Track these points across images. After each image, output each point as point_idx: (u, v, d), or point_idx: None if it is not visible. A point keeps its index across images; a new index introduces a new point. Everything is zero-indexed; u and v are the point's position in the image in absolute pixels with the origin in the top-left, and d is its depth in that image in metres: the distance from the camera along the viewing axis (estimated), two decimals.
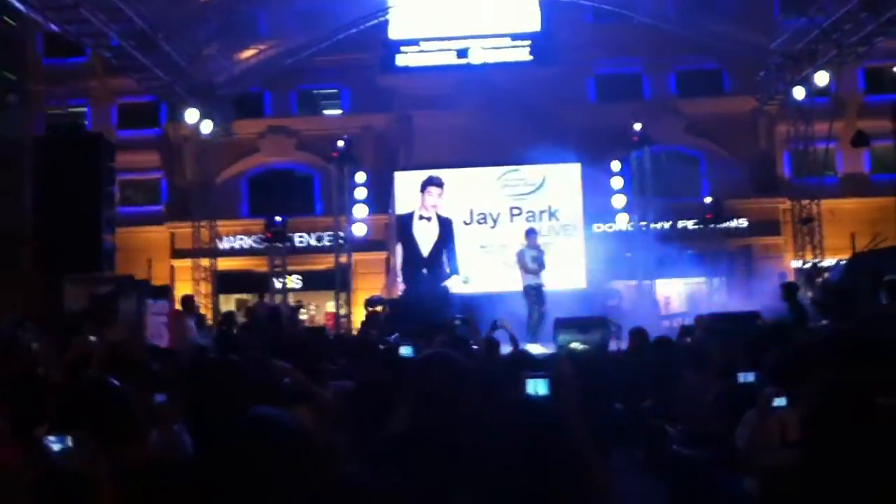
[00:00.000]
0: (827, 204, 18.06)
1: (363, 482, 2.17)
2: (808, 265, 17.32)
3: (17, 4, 13.13)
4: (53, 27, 13.90)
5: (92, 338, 6.66)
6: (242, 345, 7.19)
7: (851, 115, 20.81)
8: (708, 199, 18.07)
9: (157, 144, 22.66)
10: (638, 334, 7.29)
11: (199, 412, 3.53)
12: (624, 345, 9.50)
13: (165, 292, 13.80)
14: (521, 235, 15.85)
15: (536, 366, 4.39)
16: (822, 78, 16.24)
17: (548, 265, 13.17)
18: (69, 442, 2.60)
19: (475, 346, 6.13)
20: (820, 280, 15.81)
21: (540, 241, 16.41)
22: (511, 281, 13.38)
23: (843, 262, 14.90)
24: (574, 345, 5.96)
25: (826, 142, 17.44)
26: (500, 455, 2.58)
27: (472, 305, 12.38)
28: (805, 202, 17.73)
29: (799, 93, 16.96)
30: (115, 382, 2.95)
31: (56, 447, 2.58)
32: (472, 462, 2.66)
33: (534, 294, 12.50)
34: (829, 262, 17.14)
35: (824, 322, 8.90)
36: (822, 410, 2.77)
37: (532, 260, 12.62)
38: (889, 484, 2.55)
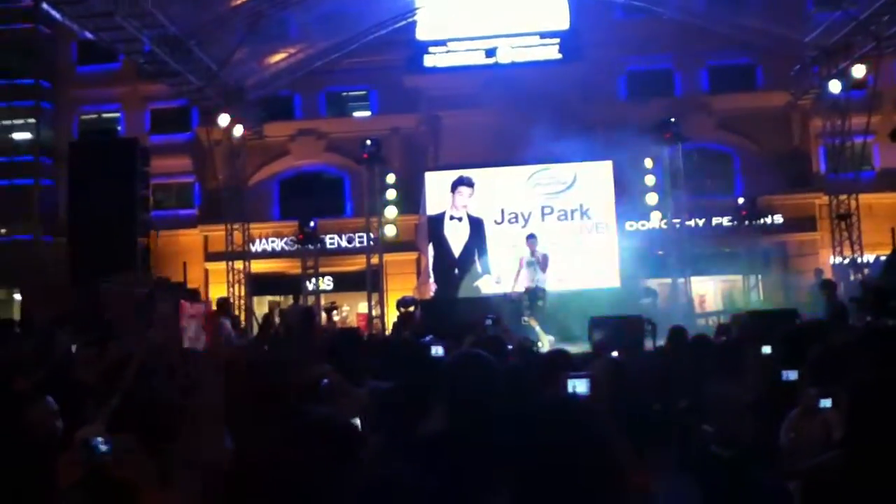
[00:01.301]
0: (864, 199, 17.72)
1: (411, 480, 2.16)
2: (846, 261, 17.01)
3: (53, 13, 13.37)
4: (88, 35, 14.12)
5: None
6: (280, 346, 7.24)
7: (889, 109, 20.40)
8: (741, 201, 17.76)
9: (189, 148, 22.94)
10: (677, 333, 7.19)
11: (238, 413, 3.54)
12: (660, 343, 9.39)
13: (197, 295, 13.93)
14: (553, 235, 15.86)
15: (574, 366, 4.36)
16: (859, 71, 15.93)
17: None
18: (116, 444, 2.62)
19: (510, 346, 6.09)
20: (859, 276, 15.53)
21: (572, 239, 16.40)
22: (542, 280, 13.33)
23: (883, 259, 14.60)
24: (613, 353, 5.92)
25: (863, 136, 17.10)
26: (538, 455, 2.55)
27: (503, 305, 12.36)
28: (842, 197, 17.41)
29: (835, 86, 16.65)
30: (163, 386, 2.96)
31: (102, 448, 2.61)
32: (509, 463, 2.63)
33: (528, 297, 12.87)
34: (868, 258, 16.82)
35: (868, 319, 8.72)
36: (862, 408, 2.70)
37: (528, 266, 12.95)
38: None
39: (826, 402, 3.80)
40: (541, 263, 12.93)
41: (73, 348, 7.29)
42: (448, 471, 2.71)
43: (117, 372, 4.62)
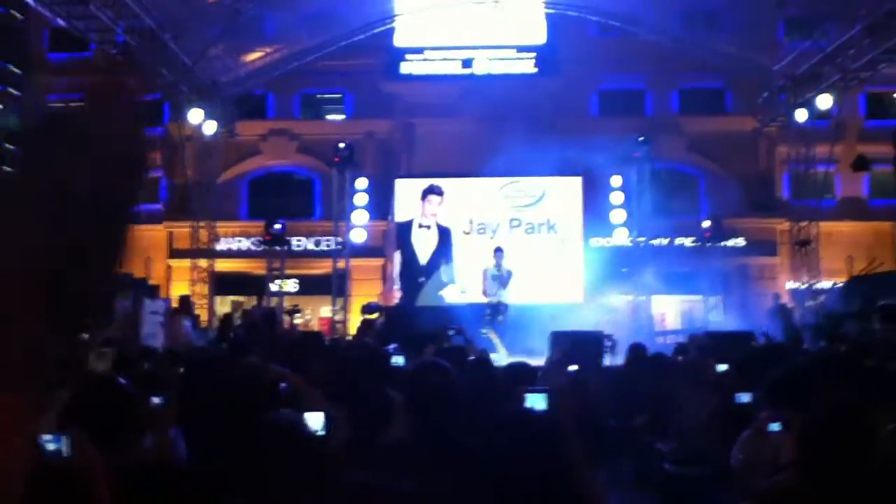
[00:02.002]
0: (825, 226, 18.11)
1: (380, 485, 2.17)
2: (804, 287, 17.37)
3: None
4: (61, 22, 13.91)
5: (84, 335, 6.63)
6: (241, 347, 7.17)
7: (851, 139, 20.90)
8: (707, 223, 18.03)
9: (158, 143, 22.66)
10: (635, 350, 7.29)
11: (196, 414, 3.52)
12: (619, 360, 9.50)
13: (157, 291, 13.75)
14: (520, 247, 15.95)
15: (535, 379, 4.41)
16: (824, 101, 16.32)
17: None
18: (64, 441, 2.58)
19: (472, 357, 6.12)
20: (814, 303, 15.86)
21: (539, 253, 16.53)
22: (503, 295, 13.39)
23: (839, 286, 14.95)
24: (571, 367, 5.99)
25: (826, 164, 17.49)
26: (499, 466, 2.57)
27: (468, 315, 12.41)
28: (803, 224, 17.78)
29: (801, 115, 17.03)
30: (121, 381, 2.92)
31: (51, 447, 2.56)
32: (472, 472, 2.66)
33: (490, 311, 12.62)
34: (825, 284, 17.19)
35: (822, 344, 8.92)
36: (818, 432, 2.77)
37: (492, 279, 12.85)
38: None
39: (775, 426, 3.88)
40: (503, 279, 12.90)
41: None
42: (410, 478, 2.73)
43: (68, 361, 4.54)
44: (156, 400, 3.31)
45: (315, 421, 3.19)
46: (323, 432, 3.25)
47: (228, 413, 3.16)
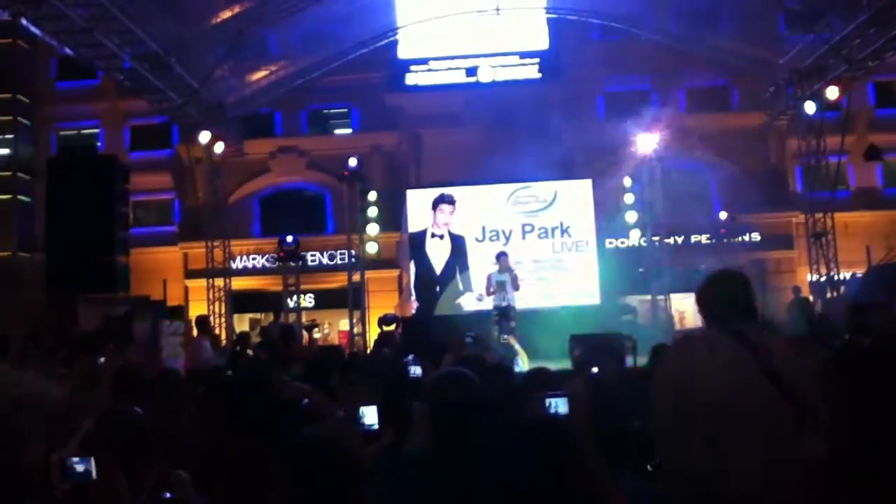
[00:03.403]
0: (840, 217, 17.95)
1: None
2: (823, 279, 17.21)
3: (33, 29, 13.29)
4: (67, 51, 14.05)
5: (101, 359, 6.65)
6: (261, 365, 7.18)
7: (862, 129, 20.75)
8: (723, 214, 17.92)
9: (169, 165, 22.83)
10: (659, 351, 7.20)
11: (217, 434, 3.52)
12: (640, 360, 9.45)
13: (180, 313, 13.83)
14: (534, 252, 15.91)
15: (554, 384, 4.38)
16: (832, 92, 16.18)
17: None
18: (92, 464, 2.59)
19: (489, 364, 6.10)
20: (835, 294, 15.72)
21: (553, 257, 16.47)
22: (524, 297, 13.33)
23: (859, 276, 14.80)
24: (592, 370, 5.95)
25: (838, 156, 17.36)
26: (518, 473, 2.56)
27: (485, 323, 12.38)
28: (818, 216, 17.62)
29: (810, 107, 16.90)
30: (138, 412, 2.94)
31: (79, 468, 2.58)
32: (491, 480, 2.64)
33: (496, 314, 12.49)
34: (844, 275, 17.03)
35: (846, 336, 8.82)
36: (842, 426, 2.74)
37: (498, 284, 12.58)
38: None
39: None
40: (513, 282, 12.69)
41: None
42: (433, 488, 2.72)
43: (89, 388, 4.56)
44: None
45: (370, 415, 3.20)
46: (377, 426, 3.25)
47: (256, 435, 3.16)
